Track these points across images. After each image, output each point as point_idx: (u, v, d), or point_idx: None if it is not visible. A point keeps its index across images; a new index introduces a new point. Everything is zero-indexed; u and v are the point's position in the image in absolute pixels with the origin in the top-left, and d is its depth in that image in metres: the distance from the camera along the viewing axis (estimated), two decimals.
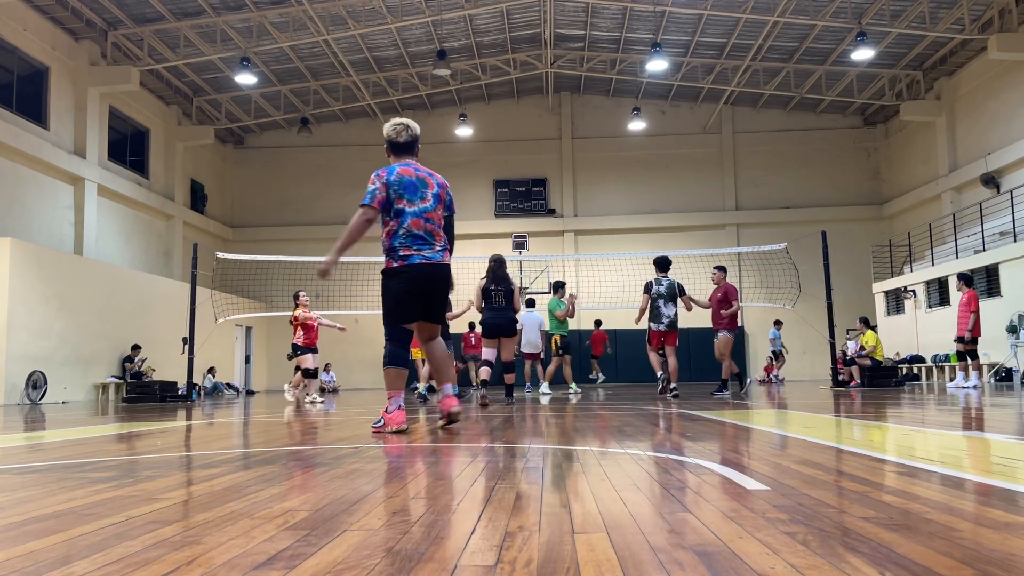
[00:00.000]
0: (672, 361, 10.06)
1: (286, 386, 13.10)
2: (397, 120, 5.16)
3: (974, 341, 13.05)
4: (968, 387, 12.47)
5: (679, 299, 10.29)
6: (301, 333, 11.96)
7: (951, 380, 16.00)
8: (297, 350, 12.04)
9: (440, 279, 4.91)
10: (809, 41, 21.58)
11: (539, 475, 2.70)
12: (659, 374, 10.45)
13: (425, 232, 4.86)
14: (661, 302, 10.17)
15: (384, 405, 5.12)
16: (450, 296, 6.08)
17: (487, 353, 9.26)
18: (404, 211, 4.84)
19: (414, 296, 4.87)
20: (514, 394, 9.57)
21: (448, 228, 5.10)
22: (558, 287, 13.87)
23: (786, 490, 2.24)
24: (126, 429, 5.84)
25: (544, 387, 13.70)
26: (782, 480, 2.45)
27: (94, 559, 1.53)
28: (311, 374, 11.99)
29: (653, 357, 10.50)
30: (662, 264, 10.40)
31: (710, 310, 11.05)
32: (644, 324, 10.47)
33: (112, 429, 6.00)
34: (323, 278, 4.97)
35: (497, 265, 9.11)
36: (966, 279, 13.65)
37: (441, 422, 5.12)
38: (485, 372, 9.19)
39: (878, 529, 1.66)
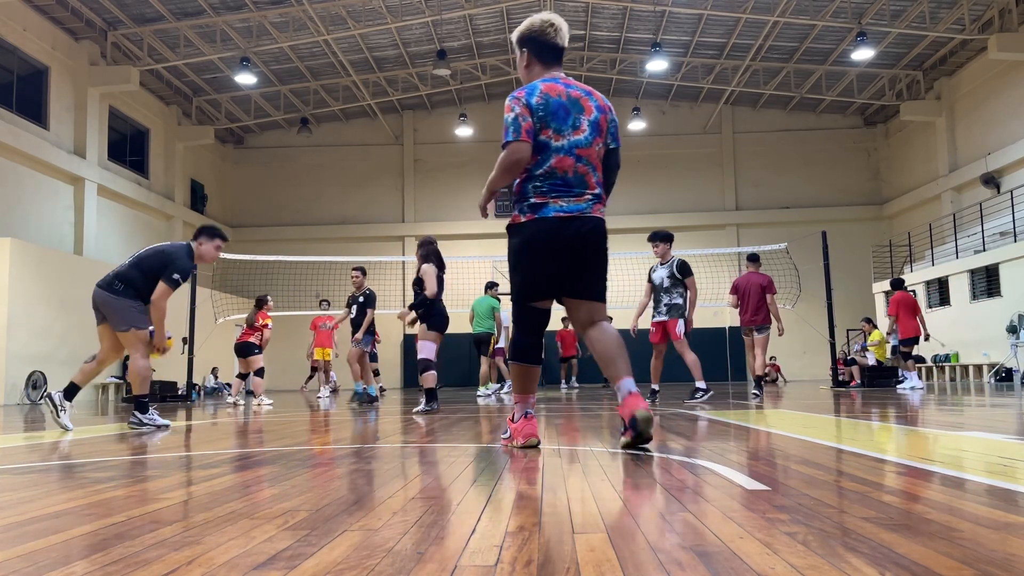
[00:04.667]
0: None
1: (321, 389, 13.50)
2: (546, 15, 3.72)
3: (908, 343, 12.61)
4: (906, 388, 12.27)
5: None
6: (267, 335, 12.17)
7: (951, 380, 15.99)
8: (256, 350, 12.05)
9: (587, 238, 3.55)
10: (809, 41, 21.58)
11: (539, 475, 2.70)
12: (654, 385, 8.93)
13: (573, 174, 3.55)
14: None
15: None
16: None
17: (429, 350, 7.72)
18: (548, 145, 3.54)
19: (545, 262, 3.57)
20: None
21: (609, 167, 3.73)
22: (491, 286, 13.64)
23: (786, 490, 2.24)
24: (126, 429, 5.84)
25: (482, 390, 13.31)
26: (782, 480, 2.45)
27: (94, 559, 1.53)
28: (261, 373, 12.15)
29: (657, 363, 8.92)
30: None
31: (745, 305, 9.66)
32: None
33: (112, 429, 6.00)
34: (484, 215, 4.06)
35: (437, 247, 7.93)
36: (894, 283, 13.44)
37: (624, 438, 3.47)
38: (432, 379, 7.64)
39: (878, 529, 1.66)
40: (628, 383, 3.53)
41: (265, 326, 12.10)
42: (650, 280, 8.74)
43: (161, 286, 5.94)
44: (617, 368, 3.58)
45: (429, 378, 7.61)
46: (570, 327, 18.16)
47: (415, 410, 7.61)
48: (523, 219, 3.58)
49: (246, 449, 4.09)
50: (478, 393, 12.93)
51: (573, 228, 3.52)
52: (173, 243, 6.25)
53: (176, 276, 5.97)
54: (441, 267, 7.83)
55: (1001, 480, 2.37)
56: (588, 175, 3.58)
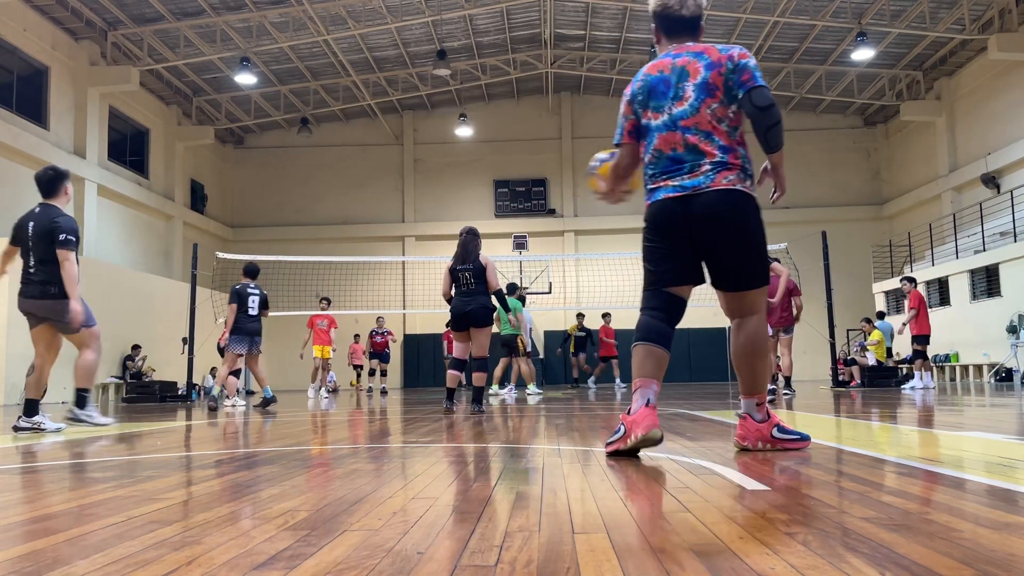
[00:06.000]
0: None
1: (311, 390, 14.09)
2: None
3: (923, 340, 12.76)
4: (918, 388, 12.28)
5: None
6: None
7: (951, 380, 15.96)
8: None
9: (706, 216, 3.12)
10: (809, 41, 21.58)
11: (539, 475, 2.70)
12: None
13: (684, 148, 3.18)
14: None
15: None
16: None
17: (457, 351, 7.58)
18: (649, 127, 3.29)
19: (661, 248, 3.26)
20: (483, 401, 7.53)
21: (750, 117, 3.21)
22: (514, 289, 13.79)
23: (786, 490, 2.24)
24: (126, 429, 5.84)
25: (531, 387, 13.35)
26: (782, 480, 2.45)
27: (94, 559, 1.53)
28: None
29: None
30: None
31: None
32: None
33: (112, 429, 6.00)
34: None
35: (468, 236, 7.51)
36: (912, 280, 13.45)
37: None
38: (452, 379, 7.53)
39: (878, 529, 1.66)
40: (745, 404, 3.27)
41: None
42: None
43: (60, 253, 5.59)
44: (741, 382, 3.29)
45: (447, 377, 7.67)
46: (611, 324, 17.83)
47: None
48: (646, 208, 3.33)
49: (246, 449, 4.09)
50: (528, 392, 13.02)
51: (687, 208, 3.14)
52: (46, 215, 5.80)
53: (66, 237, 5.59)
54: (463, 260, 7.44)
55: (1001, 480, 2.37)
56: (702, 143, 3.16)
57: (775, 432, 3.26)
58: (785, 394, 9.97)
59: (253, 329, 10.04)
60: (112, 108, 20.85)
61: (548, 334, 25.07)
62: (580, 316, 18.94)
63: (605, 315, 17.93)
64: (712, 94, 3.18)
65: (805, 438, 3.33)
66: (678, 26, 3.37)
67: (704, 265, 3.26)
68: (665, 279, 3.26)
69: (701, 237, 3.16)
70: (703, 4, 3.38)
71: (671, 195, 3.17)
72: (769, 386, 8.30)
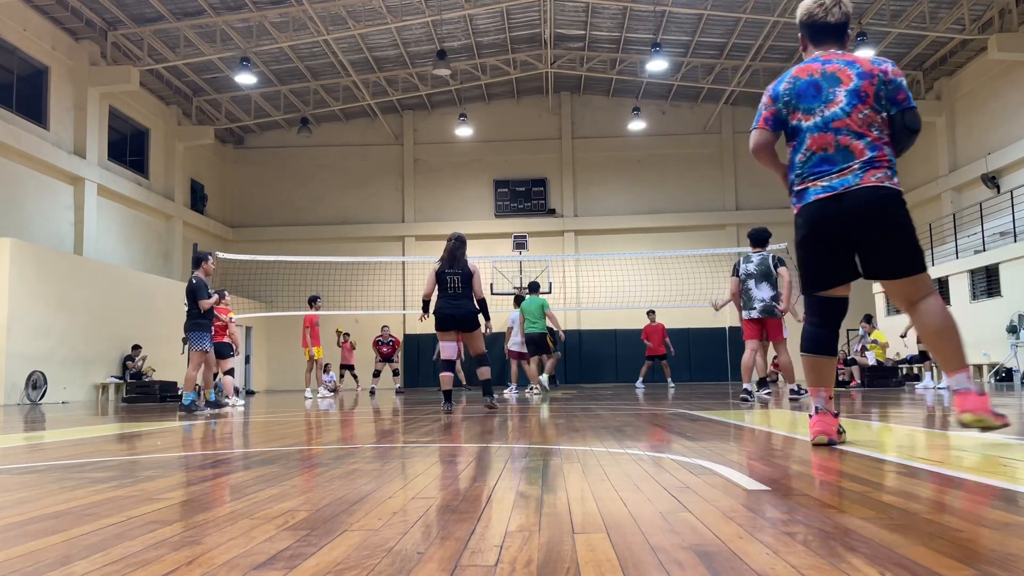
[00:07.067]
0: (783, 357, 8.44)
1: (310, 391, 13.75)
2: None
3: None
4: (942, 387, 12.33)
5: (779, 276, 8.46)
6: (232, 330, 11.81)
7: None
8: (231, 352, 11.52)
9: (860, 213, 3.26)
10: None
11: (539, 475, 2.70)
12: (745, 385, 8.35)
13: (835, 149, 3.33)
14: (752, 283, 8.22)
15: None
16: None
17: (446, 350, 7.81)
18: (800, 128, 3.44)
19: (818, 251, 3.41)
20: (494, 394, 7.82)
21: (894, 135, 3.39)
22: (537, 287, 13.82)
23: (786, 490, 2.24)
24: (126, 429, 5.84)
25: (543, 380, 13.30)
26: (782, 480, 2.45)
27: (94, 559, 1.53)
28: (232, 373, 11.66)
29: (747, 357, 8.38)
30: (758, 238, 8.57)
31: None
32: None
33: (112, 429, 6.00)
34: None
35: (456, 243, 7.77)
36: None
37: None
38: (447, 380, 7.73)
39: (878, 529, 1.66)
40: (956, 379, 3.26)
41: (231, 320, 11.94)
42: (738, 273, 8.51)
43: None
44: (944, 361, 3.29)
45: (441, 379, 7.79)
46: (657, 322, 17.24)
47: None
48: (795, 211, 3.49)
49: (245, 449, 4.09)
50: (529, 391, 12.97)
51: (839, 207, 3.29)
52: None
53: None
54: (451, 263, 7.68)
55: (1001, 480, 2.37)
56: (853, 144, 3.32)
57: (992, 407, 3.28)
58: (792, 398, 9.58)
59: (184, 327, 9.77)
60: (112, 108, 20.85)
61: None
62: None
63: (650, 312, 17.30)
64: (863, 100, 3.35)
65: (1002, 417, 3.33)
66: (824, 33, 3.54)
67: (858, 260, 3.39)
68: (818, 282, 3.45)
69: (855, 234, 3.31)
70: (849, 12, 3.52)
71: (821, 196, 3.34)
72: (755, 390, 8.27)
